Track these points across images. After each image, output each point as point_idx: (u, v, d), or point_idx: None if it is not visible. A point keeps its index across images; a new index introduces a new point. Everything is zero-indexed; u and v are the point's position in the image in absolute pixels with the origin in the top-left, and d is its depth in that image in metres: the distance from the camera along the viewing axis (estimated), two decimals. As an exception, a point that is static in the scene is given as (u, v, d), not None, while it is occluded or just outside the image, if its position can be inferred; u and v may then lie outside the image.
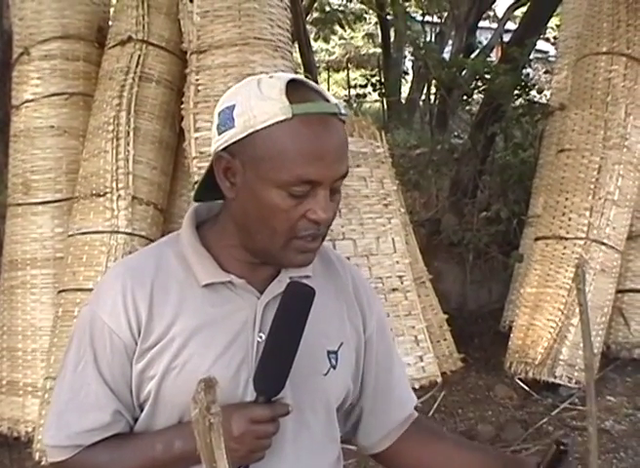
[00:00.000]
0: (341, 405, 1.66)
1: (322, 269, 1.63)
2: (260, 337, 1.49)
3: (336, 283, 1.65)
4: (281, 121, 1.38)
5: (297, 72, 4.80)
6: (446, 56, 10.75)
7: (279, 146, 1.39)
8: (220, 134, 1.45)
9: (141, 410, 1.53)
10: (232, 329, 1.50)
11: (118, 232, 4.83)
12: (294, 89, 1.41)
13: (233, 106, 1.43)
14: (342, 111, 1.44)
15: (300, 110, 1.38)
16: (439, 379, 5.61)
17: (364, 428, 1.74)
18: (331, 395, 1.60)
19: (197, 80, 4.89)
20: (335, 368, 1.57)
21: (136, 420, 1.55)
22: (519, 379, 5.60)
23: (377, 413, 1.72)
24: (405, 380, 1.81)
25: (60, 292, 4.92)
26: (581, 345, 5.50)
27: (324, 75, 16.72)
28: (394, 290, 5.61)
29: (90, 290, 4.58)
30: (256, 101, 1.40)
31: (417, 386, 5.48)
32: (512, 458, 1.65)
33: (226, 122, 1.43)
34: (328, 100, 1.44)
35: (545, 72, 10.50)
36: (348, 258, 5.45)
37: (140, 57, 5.18)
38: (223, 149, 1.45)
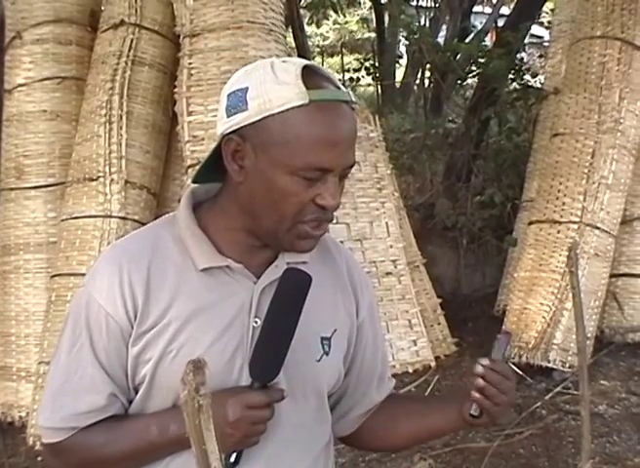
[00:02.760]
0: (332, 390, 1.65)
1: (319, 255, 1.62)
2: (256, 322, 1.49)
3: (331, 269, 1.64)
4: (298, 106, 1.37)
5: (290, 56, 4.79)
6: (440, 40, 10.71)
7: (294, 131, 1.38)
8: (229, 116, 1.43)
9: (136, 393, 1.52)
10: (228, 313, 1.49)
11: (111, 216, 4.83)
12: (309, 75, 1.40)
13: (246, 89, 1.41)
14: (353, 99, 1.44)
15: (317, 96, 1.38)
16: (433, 363, 5.65)
17: (338, 411, 1.74)
18: (323, 381, 1.60)
19: (190, 64, 4.88)
20: (327, 354, 1.57)
21: (130, 402, 1.54)
22: (513, 363, 5.60)
23: (355, 399, 1.72)
24: (387, 368, 1.81)
25: (53, 276, 4.92)
26: (574, 329, 5.53)
27: (318, 60, 16.68)
28: (388, 274, 5.63)
29: (83, 274, 4.58)
30: (272, 85, 1.39)
31: (410, 370, 5.52)
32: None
33: (238, 104, 1.41)
34: (339, 88, 1.43)
35: (540, 56, 10.50)
36: (342, 243, 5.44)
37: (132, 40, 5.17)
38: (233, 132, 1.43)
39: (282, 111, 1.37)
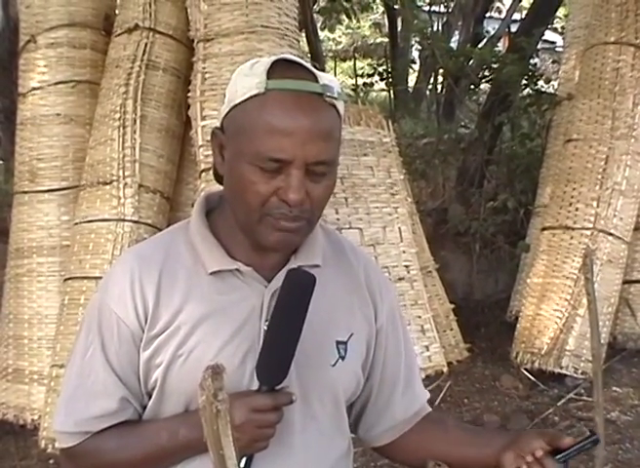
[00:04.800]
0: (351, 397, 1.64)
1: (333, 259, 1.62)
2: (267, 326, 1.48)
3: (347, 273, 1.63)
4: (254, 95, 1.39)
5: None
6: (453, 45, 10.70)
7: (250, 120, 1.39)
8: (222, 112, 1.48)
9: (149, 398, 1.53)
10: (239, 317, 1.49)
11: (124, 220, 4.82)
12: (279, 66, 1.41)
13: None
14: (330, 93, 1.41)
15: (275, 85, 1.38)
16: (445, 369, 5.62)
17: (365, 421, 1.73)
18: (339, 386, 1.59)
19: (204, 68, 4.87)
20: (343, 358, 1.56)
21: (144, 408, 1.54)
22: (525, 369, 5.59)
23: (380, 406, 1.71)
24: (416, 374, 1.79)
25: (66, 279, 4.91)
26: (588, 336, 5.50)
27: (330, 64, 16.68)
28: (401, 279, 5.61)
29: (96, 278, 4.59)
30: (241, 77, 1.43)
31: (423, 376, 5.48)
32: (516, 434, 1.64)
33: (225, 100, 1.46)
34: (317, 81, 1.42)
35: (553, 62, 10.46)
36: (354, 248, 5.43)
37: (146, 45, 5.17)
38: (220, 126, 1.48)
39: (242, 101, 1.40)
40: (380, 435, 1.74)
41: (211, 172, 1.58)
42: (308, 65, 1.46)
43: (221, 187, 1.55)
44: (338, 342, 1.56)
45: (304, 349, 1.44)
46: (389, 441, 1.73)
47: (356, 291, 1.63)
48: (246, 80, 1.40)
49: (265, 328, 1.48)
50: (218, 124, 1.49)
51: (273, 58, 1.44)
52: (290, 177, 1.38)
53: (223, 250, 1.52)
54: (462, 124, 10.22)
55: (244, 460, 1.44)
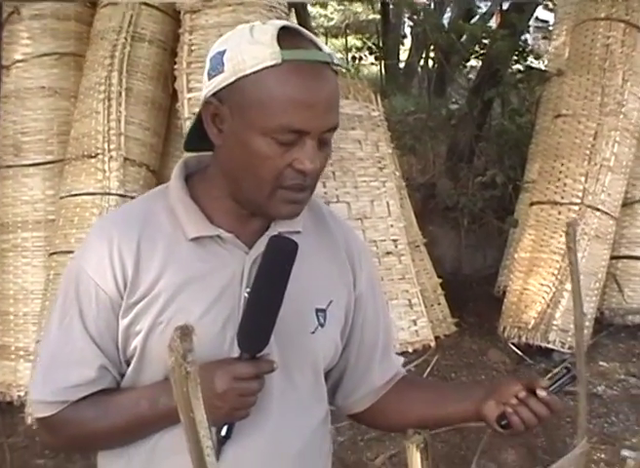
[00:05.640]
0: (329, 364, 1.63)
1: (313, 226, 1.60)
2: (248, 293, 1.46)
3: (327, 240, 1.62)
4: (270, 66, 1.35)
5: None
6: (445, 22, 10.65)
7: (267, 92, 1.35)
8: (210, 79, 1.42)
9: (128, 366, 1.50)
10: (219, 284, 1.47)
11: (110, 194, 4.80)
12: (286, 35, 1.38)
13: (224, 51, 1.39)
14: (335, 61, 1.41)
15: (291, 56, 1.35)
16: (433, 343, 5.64)
17: (343, 388, 1.72)
18: (318, 354, 1.57)
19: (190, 40, 4.83)
20: (323, 326, 1.54)
21: (122, 376, 1.52)
22: (512, 344, 5.60)
23: (359, 373, 1.70)
24: (392, 340, 1.79)
25: (51, 254, 4.90)
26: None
27: (322, 40, 16.60)
28: (388, 253, 5.61)
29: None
30: (246, 46, 1.37)
31: (410, 350, 5.51)
32: (492, 384, 1.64)
33: (217, 67, 1.40)
34: (321, 49, 1.40)
35: (544, 38, 10.44)
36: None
37: (132, 16, 5.13)
38: (213, 95, 1.42)
39: (255, 71, 1.36)
40: (359, 401, 1.72)
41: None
42: (306, 32, 1.43)
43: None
44: (317, 310, 1.54)
45: (284, 317, 1.42)
46: (367, 407, 1.73)
47: (336, 258, 1.61)
48: (254, 49, 1.36)
49: (246, 295, 1.46)
50: (205, 92, 1.44)
51: (275, 24, 1.40)
52: (306, 147, 1.37)
53: (204, 216, 1.49)
54: (453, 101, 10.21)
55: (225, 428, 1.43)
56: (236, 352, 1.43)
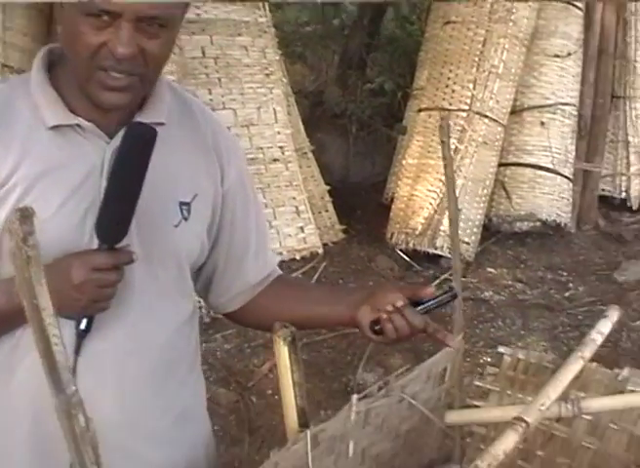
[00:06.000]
0: (196, 261, 1.60)
1: (180, 119, 1.55)
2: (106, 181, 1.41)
3: (194, 133, 1.57)
4: None
5: None
6: None
7: None
8: None
9: None
10: (79, 174, 1.42)
11: (-13, 100, 4.60)
12: None
13: None
14: None
15: None
16: (320, 250, 5.68)
17: (216, 287, 1.69)
18: (182, 248, 1.54)
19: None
20: (187, 220, 1.51)
21: None
22: (400, 250, 5.65)
23: (232, 272, 1.67)
24: (267, 239, 1.77)
25: None
26: (462, 216, 5.57)
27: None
28: (275, 160, 5.59)
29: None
30: None
31: (298, 257, 5.53)
32: (372, 289, 1.62)
33: None
34: None
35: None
36: (228, 129, 5.36)
37: None
38: None
39: None
40: (232, 300, 1.70)
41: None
42: None
43: None
44: (181, 203, 1.51)
45: (146, 209, 1.38)
46: (241, 305, 1.70)
47: (202, 151, 1.57)
48: None
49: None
50: None
51: None
52: (120, 32, 1.33)
53: (64, 104, 1.43)
54: (347, 11, 10.08)
55: (85, 322, 1.39)
56: (96, 244, 1.38)
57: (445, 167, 1.68)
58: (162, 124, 1.47)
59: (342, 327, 1.76)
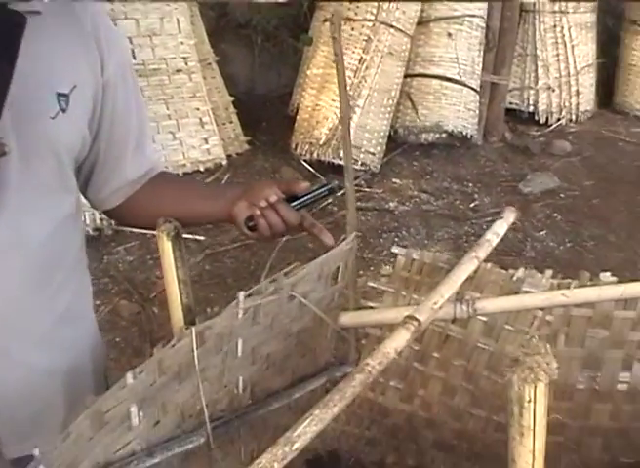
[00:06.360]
0: (78, 155, 1.54)
1: (57, 7, 1.47)
2: None
3: (71, 22, 1.50)
4: None
5: None
6: None
7: None
8: None
9: None
10: None
11: None
12: None
13: None
14: None
15: None
16: (224, 162, 5.65)
17: (94, 182, 1.64)
18: (60, 140, 1.47)
19: None
20: (65, 111, 1.44)
21: None
22: (305, 161, 5.62)
23: (110, 166, 1.62)
24: (147, 135, 1.72)
25: None
26: (368, 127, 5.57)
27: None
28: (178, 71, 5.50)
29: None
30: None
31: (202, 168, 5.50)
32: (249, 185, 1.61)
33: None
34: None
35: None
36: (130, 39, 5.22)
37: None
38: None
39: None
40: (111, 196, 1.66)
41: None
42: None
43: None
44: (58, 94, 1.44)
45: (21, 101, 1.34)
46: (119, 202, 1.67)
47: (81, 40, 1.50)
48: None
49: None
50: None
51: None
52: None
53: None
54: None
55: None
56: None
57: (336, 64, 1.63)
58: (37, 12, 1.40)
59: (224, 224, 1.73)
